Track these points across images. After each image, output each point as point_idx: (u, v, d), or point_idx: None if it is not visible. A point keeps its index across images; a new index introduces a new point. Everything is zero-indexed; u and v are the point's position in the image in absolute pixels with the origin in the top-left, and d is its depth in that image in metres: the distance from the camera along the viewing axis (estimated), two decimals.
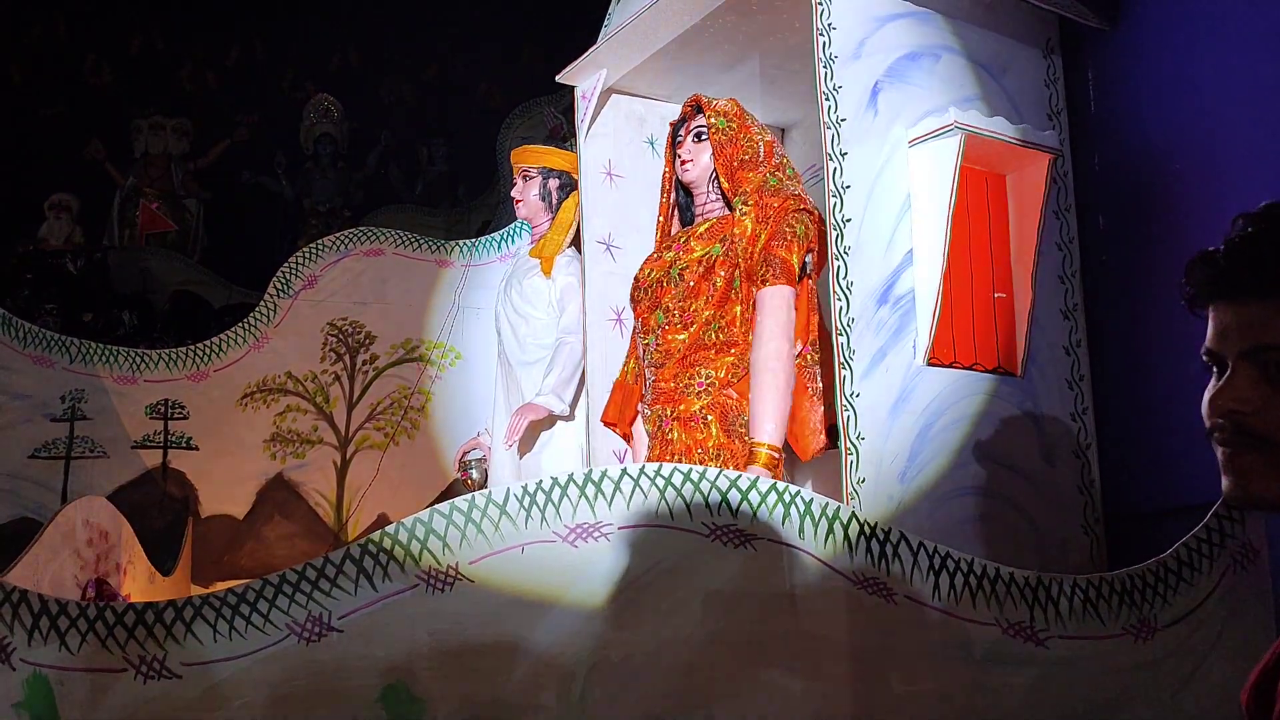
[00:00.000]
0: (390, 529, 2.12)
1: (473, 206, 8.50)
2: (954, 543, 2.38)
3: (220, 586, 4.42)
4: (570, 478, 2.18)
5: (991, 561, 2.32)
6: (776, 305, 2.83)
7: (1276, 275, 1.22)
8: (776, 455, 2.76)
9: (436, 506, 2.14)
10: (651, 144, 3.85)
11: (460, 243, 5.02)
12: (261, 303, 4.82)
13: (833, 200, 2.76)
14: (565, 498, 2.17)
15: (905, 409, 2.76)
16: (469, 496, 2.16)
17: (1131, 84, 3.13)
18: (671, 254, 3.04)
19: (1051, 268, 3.07)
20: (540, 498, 2.17)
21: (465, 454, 4.27)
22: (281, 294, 4.77)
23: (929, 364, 2.81)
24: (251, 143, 9.49)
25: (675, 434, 2.89)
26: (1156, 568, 2.34)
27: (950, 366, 2.84)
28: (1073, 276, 3.13)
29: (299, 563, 4.51)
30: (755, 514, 2.20)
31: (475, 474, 4.22)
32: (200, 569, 4.51)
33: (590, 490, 2.18)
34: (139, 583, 3.70)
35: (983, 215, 2.95)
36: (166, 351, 4.77)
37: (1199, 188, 2.94)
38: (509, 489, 2.17)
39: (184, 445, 4.61)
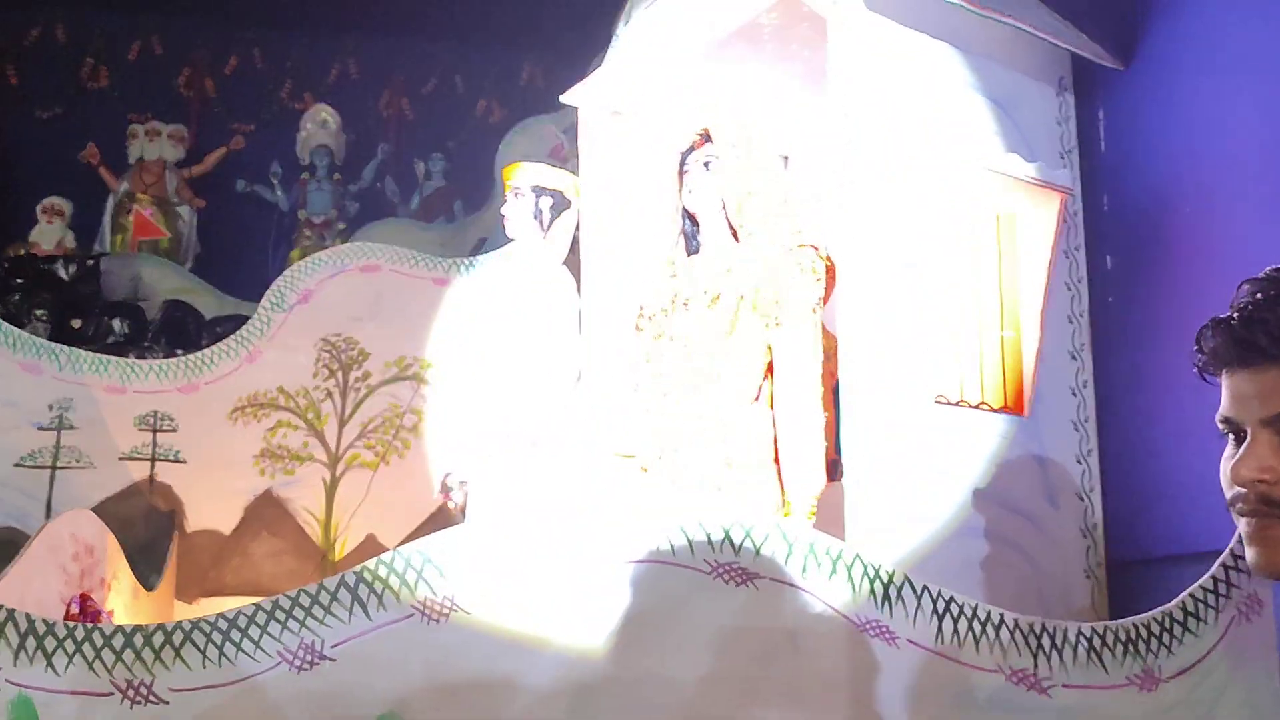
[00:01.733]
0: (386, 557, 2.07)
1: (469, 223, 8.47)
2: (955, 584, 2.34)
3: (204, 603, 4.42)
4: (570, 510, 2.15)
5: (993, 606, 2.29)
6: (796, 349, 2.82)
7: None
8: (814, 501, 2.75)
9: (435, 534, 2.10)
10: (654, 167, 3.82)
11: (457, 261, 4.98)
12: (255, 316, 4.77)
13: (842, 232, 2.74)
14: (566, 530, 2.14)
15: (909, 447, 2.73)
16: (470, 524, 2.12)
17: (1143, 124, 3.13)
18: (677, 282, 3.03)
19: (1060, 307, 3.05)
20: (541, 529, 2.13)
21: (448, 476, 4.23)
22: (275, 308, 4.73)
23: (935, 402, 2.78)
24: (247, 152, 9.45)
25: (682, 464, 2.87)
26: (1161, 617, 2.31)
27: (956, 405, 2.82)
28: (1080, 317, 3.11)
29: (285, 580, 4.47)
30: (758, 552, 2.17)
31: (458, 496, 4.18)
32: (184, 585, 4.45)
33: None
34: (123, 598, 3.64)
35: (992, 253, 2.93)
36: (157, 362, 4.72)
37: (1209, 231, 2.93)
38: (510, 519, 2.13)
39: (172, 458, 4.55)
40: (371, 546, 4.60)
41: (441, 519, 4.54)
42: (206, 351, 4.71)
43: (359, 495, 4.67)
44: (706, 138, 3.08)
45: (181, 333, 6.47)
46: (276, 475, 4.64)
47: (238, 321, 5.67)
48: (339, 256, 4.84)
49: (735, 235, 3.00)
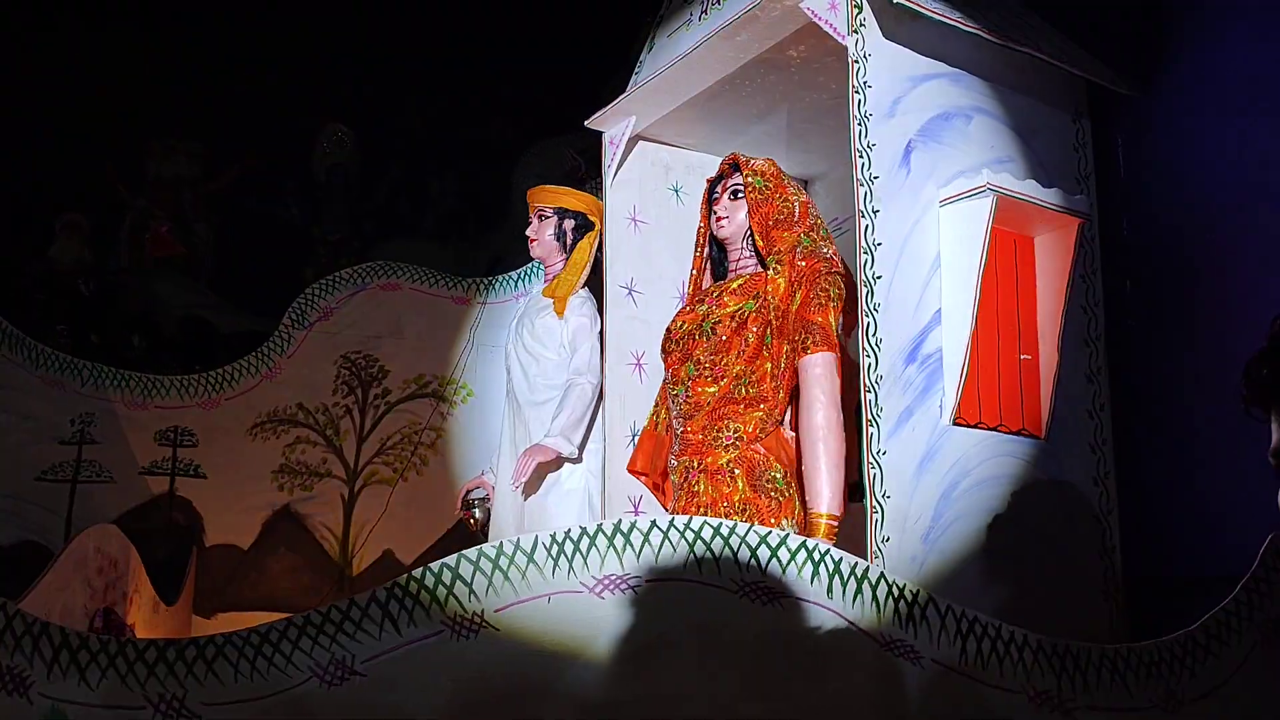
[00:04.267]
0: (417, 573, 2.09)
1: (483, 241, 8.52)
2: (974, 605, 2.36)
3: (222, 618, 4.44)
4: (599, 528, 2.17)
5: (1014, 626, 2.30)
6: (821, 373, 2.84)
7: None
8: (836, 523, 2.77)
9: (464, 552, 2.12)
10: (676, 191, 3.87)
11: (477, 280, 5.02)
12: (275, 333, 4.81)
13: (864, 257, 2.77)
14: (594, 548, 2.16)
15: (930, 469, 2.75)
16: (498, 543, 2.13)
17: (1162, 150, 3.16)
18: (705, 308, 3.06)
19: (1077, 331, 3.07)
20: (569, 547, 2.15)
21: (468, 493, 4.24)
22: (296, 325, 4.77)
23: (955, 424, 2.81)
24: (263, 169, 9.51)
25: (702, 486, 2.89)
26: (1185, 640, 2.32)
27: (975, 427, 2.84)
28: (1097, 340, 3.13)
29: (302, 596, 4.50)
30: (784, 571, 2.19)
31: (478, 513, 4.19)
32: (203, 600, 4.48)
33: (619, 541, 2.16)
34: (144, 612, 3.67)
35: (1011, 277, 2.96)
36: (178, 378, 4.75)
37: (1227, 256, 2.96)
38: (537, 537, 2.15)
39: (192, 473, 4.59)
40: (389, 562, 4.64)
41: (458, 536, 4.56)
42: (227, 368, 4.75)
43: (377, 511, 4.70)
44: (734, 166, 3.12)
45: (199, 349, 6.51)
46: (295, 491, 4.68)
47: (254, 338, 5.71)
48: (360, 275, 4.88)
49: (762, 262, 3.04)
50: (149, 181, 8.95)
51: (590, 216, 4.07)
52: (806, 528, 2.80)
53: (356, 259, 8.07)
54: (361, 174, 9.43)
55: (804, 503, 2.83)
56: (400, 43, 9.29)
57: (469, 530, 4.16)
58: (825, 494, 2.77)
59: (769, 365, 2.91)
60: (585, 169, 6.85)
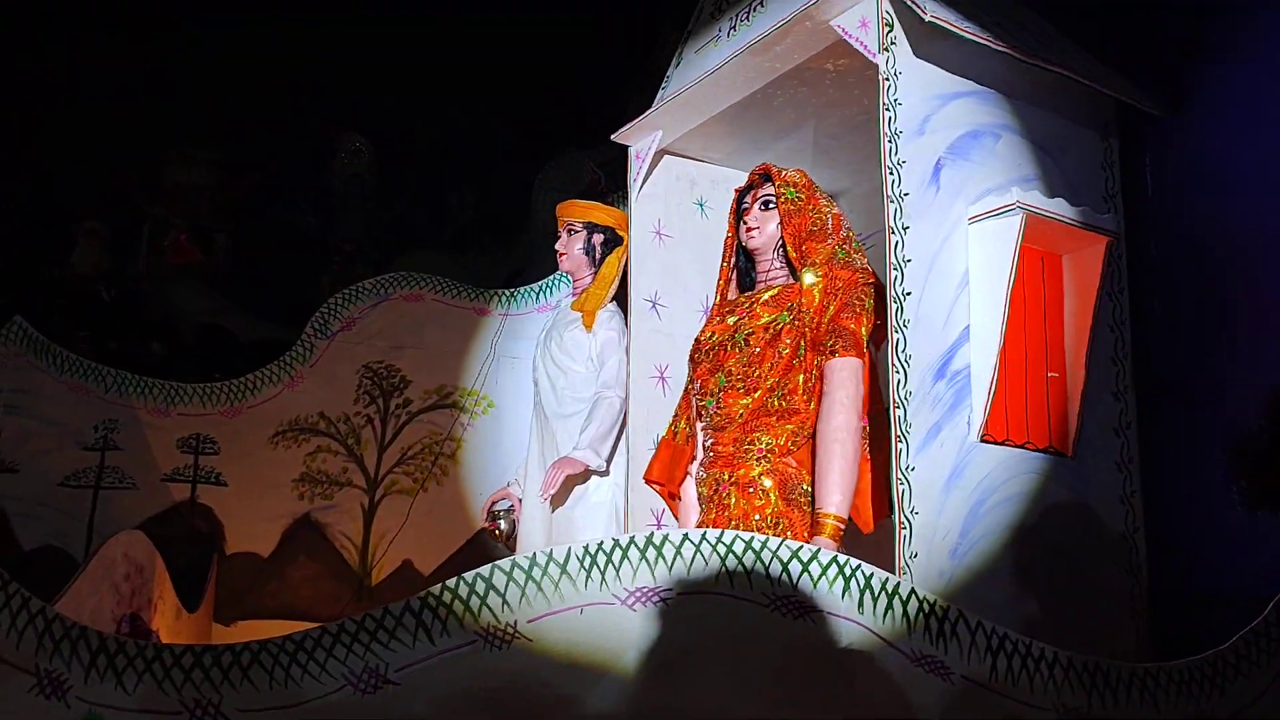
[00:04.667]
0: (450, 583, 2.10)
1: (502, 254, 8.54)
2: (1001, 621, 2.36)
3: (241, 626, 4.46)
4: (631, 540, 2.18)
5: (1043, 643, 2.31)
6: (846, 377, 2.84)
7: None
8: (842, 526, 2.77)
9: (497, 562, 2.13)
10: (701, 206, 3.88)
11: (499, 292, 5.04)
12: (298, 342, 4.83)
13: (894, 273, 2.78)
14: (626, 560, 2.16)
15: (958, 485, 2.76)
16: (530, 554, 2.14)
17: (1189, 170, 3.17)
18: (735, 319, 3.05)
19: (1104, 349, 3.08)
20: (601, 559, 2.16)
21: (494, 504, 4.25)
22: (319, 335, 4.79)
23: (982, 440, 2.81)
24: (281, 178, 9.56)
25: (733, 499, 2.89)
26: (1215, 659, 2.32)
27: (1003, 444, 2.85)
28: (1124, 358, 3.14)
29: (322, 604, 4.51)
30: (815, 586, 2.19)
31: (504, 524, 4.20)
32: (222, 606, 4.49)
33: (651, 554, 2.17)
34: (167, 619, 3.69)
35: (1039, 294, 2.97)
36: (201, 385, 4.78)
37: (1252, 277, 2.96)
38: (570, 548, 2.15)
39: (213, 481, 4.61)
40: (408, 573, 4.65)
41: (478, 546, 4.58)
42: (249, 376, 4.78)
43: (397, 521, 4.71)
44: (765, 177, 3.12)
45: (218, 356, 6.55)
46: (316, 500, 4.70)
47: (274, 346, 5.74)
48: (383, 285, 4.91)
49: (793, 273, 3.03)
50: (166, 189, 9.00)
51: (619, 231, 4.09)
52: (813, 526, 2.78)
53: (374, 269, 8.11)
54: (380, 185, 9.47)
55: (815, 505, 2.81)
56: (421, 55, 9.34)
57: (493, 540, 4.17)
58: (836, 496, 2.77)
59: (801, 378, 2.90)
60: (605, 182, 6.88)
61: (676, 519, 3.26)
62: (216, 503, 4.65)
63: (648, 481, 3.34)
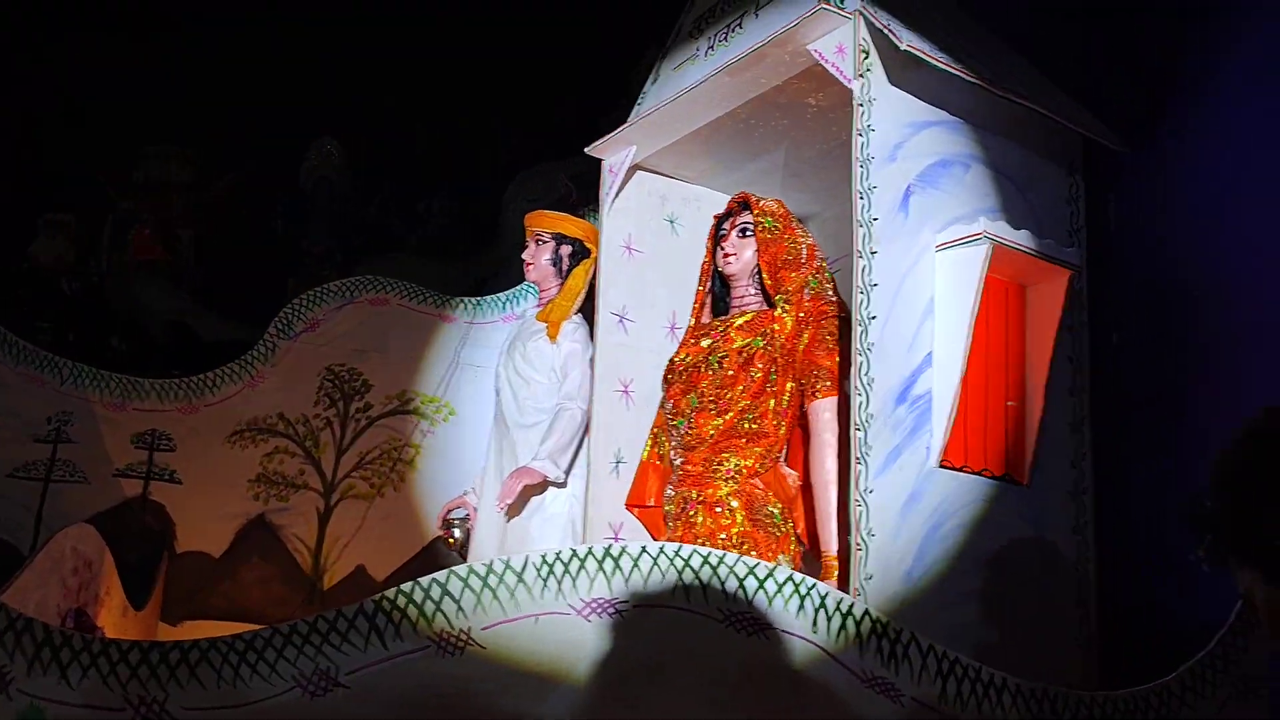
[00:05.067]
0: (406, 587, 2.09)
1: (469, 262, 8.52)
2: (953, 645, 2.38)
3: (189, 626, 4.39)
4: (590, 551, 2.18)
5: (993, 669, 2.33)
6: (831, 418, 2.96)
7: None
8: (835, 558, 2.84)
9: (454, 568, 2.12)
10: (671, 222, 3.90)
11: (465, 299, 5.02)
12: (260, 342, 4.78)
13: (860, 297, 2.80)
14: (583, 571, 2.17)
15: (915, 509, 2.78)
16: (488, 561, 2.14)
17: (1153, 208, 3.23)
18: (710, 341, 3.11)
19: (1063, 381, 3.12)
20: (559, 569, 2.16)
21: (449, 512, 4.22)
22: (282, 335, 4.74)
23: (941, 466, 2.84)
24: (254, 179, 9.49)
25: (700, 518, 2.93)
26: (1161, 690, 2.35)
27: (961, 470, 2.88)
28: (1082, 391, 3.18)
29: (272, 607, 4.45)
30: (771, 604, 2.20)
31: (458, 533, 4.18)
32: (171, 606, 4.42)
33: (609, 565, 2.17)
34: (113, 615, 3.63)
35: (1001, 324, 3.00)
36: (159, 381, 4.71)
37: (1214, 314, 3.02)
38: (528, 557, 2.15)
39: (167, 478, 4.54)
40: (361, 578, 4.60)
41: (433, 554, 4.54)
42: (209, 374, 4.71)
43: (352, 526, 4.66)
44: (744, 204, 3.18)
45: (179, 354, 6.47)
46: (271, 501, 4.64)
47: (237, 346, 5.67)
48: (349, 288, 4.86)
49: (767, 299, 3.09)
50: (139, 184, 8.91)
51: (587, 244, 4.10)
52: (821, 571, 2.86)
53: (340, 272, 8.06)
54: (352, 188, 9.42)
55: (810, 542, 2.88)
56: (399, 62, 9.33)
57: (447, 549, 4.14)
58: (837, 539, 2.84)
59: (772, 402, 2.97)
60: (577, 195, 6.88)
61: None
62: (170, 500, 4.57)
63: (631, 507, 3.35)
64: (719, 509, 2.91)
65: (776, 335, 2.97)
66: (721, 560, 2.21)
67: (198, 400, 4.66)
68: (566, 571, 2.16)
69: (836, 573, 2.81)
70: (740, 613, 2.19)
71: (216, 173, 9.19)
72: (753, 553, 2.82)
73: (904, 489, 2.78)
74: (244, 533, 4.62)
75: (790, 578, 2.23)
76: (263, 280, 8.64)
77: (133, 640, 2.02)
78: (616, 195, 3.78)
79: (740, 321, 3.10)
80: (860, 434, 2.73)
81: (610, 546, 2.18)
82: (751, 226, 3.13)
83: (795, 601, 2.21)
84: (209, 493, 4.61)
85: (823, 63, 2.97)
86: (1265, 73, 3.00)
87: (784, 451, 2.99)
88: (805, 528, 3.00)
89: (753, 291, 3.16)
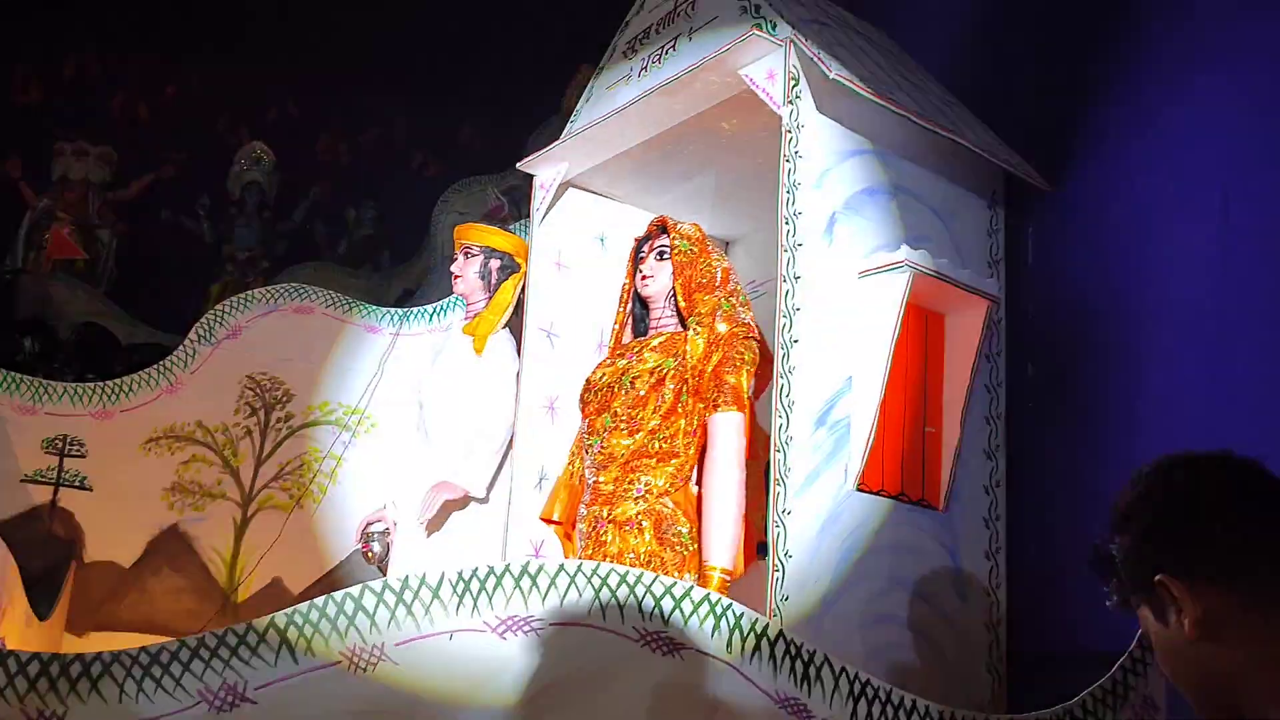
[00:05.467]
0: (319, 602, 2.06)
1: (395, 273, 8.46)
2: (866, 668, 2.41)
3: (95, 637, 4.28)
4: (506, 568, 2.16)
5: (904, 691, 2.36)
6: (729, 432, 2.93)
7: None
8: (729, 579, 2.83)
9: (368, 583, 2.10)
10: (601, 240, 3.91)
11: (391, 310, 4.98)
12: (180, 347, 4.69)
13: (782, 320, 2.84)
14: (499, 587, 2.15)
15: (832, 531, 2.81)
16: (403, 576, 2.12)
17: (1069, 242, 3.31)
18: (625, 362, 3.13)
19: (979, 408, 3.18)
20: (474, 585, 2.14)
21: (369, 525, 4.17)
22: (203, 340, 4.66)
23: (858, 489, 2.88)
24: (176, 181, 9.34)
25: (610, 536, 2.93)
26: (1062, 713, 2.40)
27: (878, 494, 2.92)
28: (998, 419, 3.25)
29: (183, 620, 4.36)
30: (686, 623, 2.21)
31: (377, 546, 4.12)
32: (77, 617, 4.31)
33: (525, 582, 2.16)
34: (16, 626, 3.52)
35: (920, 351, 3.06)
36: (72, 385, 4.59)
37: (1123, 345, 3.10)
38: (443, 573, 2.13)
39: (77, 485, 4.42)
40: (276, 591, 4.52)
41: (351, 567, 4.48)
42: (126, 378, 4.61)
43: (269, 537, 4.58)
44: (662, 228, 3.21)
45: (95, 357, 6.32)
46: (186, 510, 4.55)
47: (154, 350, 5.56)
48: (273, 296, 4.80)
49: (683, 321, 3.11)
50: (55, 182, 8.71)
51: (516, 258, 4.09)
52: (701, 580, 2.84)
53: (265, 279, 7.95)
54: (280, 195, 9.31)
55: (701, 556, 2.88)
56: (331, 71, 9.25)
57: (366, 562, 4.09)
58: (720, 550, 2.85)
59: (683, 422, 2.99)
60: (507, 210, 6.88)
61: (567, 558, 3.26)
62: (79, 508, 4.46)
63: (545, 520, 3.34)
64: (628, 528, 2.92)
65: (688, 356, 3.00)
66: (639, 579, 2.20)
67: (112, 405, 4.56)
68: (483, 588, 2.14)
69: (719, 583, 2.79)
70: (656, 632, 2.19)
71: (132, 172, 9.01)
72: (659, 572, 2.82)
73: (822, 511, 2.81)
74: (156, 543, 4.53)
75: (707, 597, 2.23)
76: (186, 285, 8.49)
77: (33, 651, 1.96)
78: (547, 211, 3.78)
79: (655, 342, 3.13)
80: (780, 456, 2.76)
81: (527, 564, 2.17)
82: (668, 249, 3.17)
83: (710, 621, 2.22)
84: (121, 501, 4.50)
85: (754, 88, 3.01)
86: (1174, 115, 3.10)
87: (694, 471, 3.01)
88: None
89: (669, 313, 3.19)
